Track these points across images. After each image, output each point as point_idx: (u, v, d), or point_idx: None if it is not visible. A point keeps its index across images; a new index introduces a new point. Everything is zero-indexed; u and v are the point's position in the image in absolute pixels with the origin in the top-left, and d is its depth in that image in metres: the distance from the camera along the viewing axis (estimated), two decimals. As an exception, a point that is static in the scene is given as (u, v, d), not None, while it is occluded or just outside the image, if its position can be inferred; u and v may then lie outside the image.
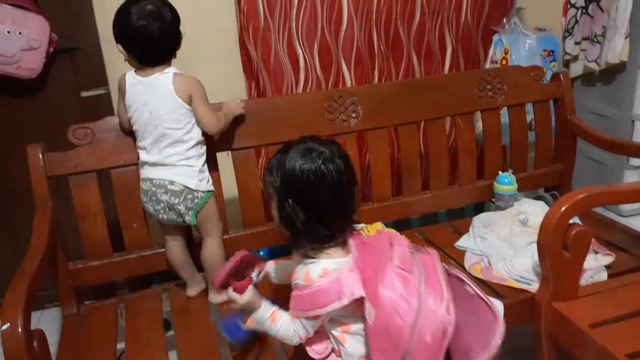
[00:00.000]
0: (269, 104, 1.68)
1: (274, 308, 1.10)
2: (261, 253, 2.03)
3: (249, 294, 1.09)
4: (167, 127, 1.38)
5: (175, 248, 1.52)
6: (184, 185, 1.41)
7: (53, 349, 1.21)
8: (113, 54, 1.91)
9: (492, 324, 0.99)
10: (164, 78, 1.38)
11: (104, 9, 1.86)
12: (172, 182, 1.40)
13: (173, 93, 1.37)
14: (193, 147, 1.43)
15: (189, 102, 1.40)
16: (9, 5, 1.69)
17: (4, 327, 0.98)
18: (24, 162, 1.43)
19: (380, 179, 1.79)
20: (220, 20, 2.05)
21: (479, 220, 1.80)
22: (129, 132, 1.48)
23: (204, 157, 1.46)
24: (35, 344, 1.04)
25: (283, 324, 1.07)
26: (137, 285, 1.85)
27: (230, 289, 1.10)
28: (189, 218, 1.44)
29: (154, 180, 1.41)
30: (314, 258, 1.03)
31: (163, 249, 1.56)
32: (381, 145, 1.77)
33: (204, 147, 1.47)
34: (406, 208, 1.85)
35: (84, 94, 1.93)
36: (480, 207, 2.24)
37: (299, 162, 1.00)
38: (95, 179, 1.50)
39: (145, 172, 1.43)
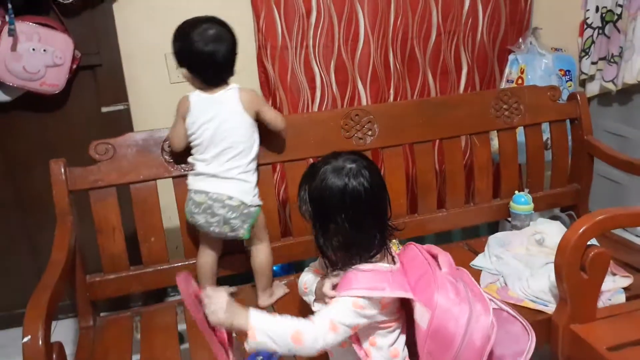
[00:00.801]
0: (287, 122, 1.69)
1: (294, 325, 0.99)
2: (275, 269, 2.04)
3: (222, 292, 0.99)
4: (234, 140, 1.45)
5: (211, 259, 1.55)
6: (241, 201, 1.45)
7: (69, 360, 1.23)
8: (134, 71, 1.97)
9: (522, 335, 1.09)
10: (230, 94, 1.46)
11: (126, 27, 1.91)
12: (230, 197, 1.44)
13: (242, 109, 1.46)
14: (252, 161, 1.50)
15: (256, 117, 1.49)
16: (36, 24, 1.74)
17: (26, 339, 0.99)
18: (46, 176, 1.46)
19: (396, 196, 1.79)
20: (239, 38, 2.08)
21: (494, 239, 1.79)
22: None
23: (257, 173, 1.53)
24: (54, 356, 1.05)
25: (284, 317, 1.00)
26: (152, 299, 1.86)
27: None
28: (243, 232, 1.48)
29: (210, 194, 1.44)
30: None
31: (179, 264, 1.58)
32: (397, 163, 1.78)
33: (257, 164, 1.54)
34: (421, 226, 1.85)
35: (105, 109, 1.96)
36: (495, 227, 2.23)
37: (329, 179, 1.03)
38: (115, 193, 1.53)
39: (200, 185, 1.46)
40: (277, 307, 1.56)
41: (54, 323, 2.16)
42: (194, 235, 1.59)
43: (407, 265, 1.10)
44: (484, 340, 0.99)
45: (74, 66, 1.86)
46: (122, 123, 1.95)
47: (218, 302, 0.96)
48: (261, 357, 1.27)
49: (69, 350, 1.20)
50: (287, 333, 0.96)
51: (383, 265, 1.07)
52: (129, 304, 1.99)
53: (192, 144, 1.48)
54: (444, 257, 1.11)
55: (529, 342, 1.09)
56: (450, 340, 0.98)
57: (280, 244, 1.69)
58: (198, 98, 1.45)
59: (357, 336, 1.07)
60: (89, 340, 1.47)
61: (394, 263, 1.10)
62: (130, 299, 2.04)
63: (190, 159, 1.50)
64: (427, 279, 1.03)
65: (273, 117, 1.53)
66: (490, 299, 1.11)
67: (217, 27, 1.41)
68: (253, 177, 1.50)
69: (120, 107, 1.98)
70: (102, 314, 1.60)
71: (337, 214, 1.02)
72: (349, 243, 1.05)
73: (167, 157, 1.56)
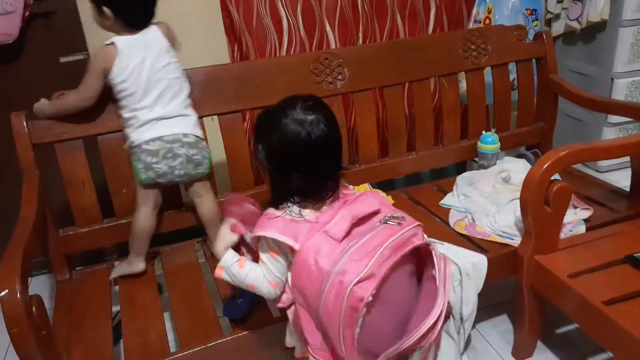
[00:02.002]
0: (254, 67, 1.67)
1: (241, 257, 1.14)
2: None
3: (226, 229, 1.14)
4: (170, 78, 1.41)
5: (152, 218, 1.50)
6: (195, 136, 1.45)
7: (48, 314, 1.23)
8: (91, 18, 1.87)
9: (426, 314, 0.95)
10: (153, 32, 1.40)
11: (79, -29, 1.81)
12: (185, 135, 1.43)
13: (167, 44, 1.42)
14: (188, 95, 1.47)
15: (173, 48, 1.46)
16: (-20, -33, 1.63)
17: (3, 293, 0.99)
18: (5, 131, 1.41)
19: (367, 141, 1.81)
20: (200, -19, 2.00)
21: (462, 179, 1.84)
22: (104, 101, 1.46)
23: None
24: (33, 309, 1.05)
25: (251, 270, 1.09)
26: (126, 252, 1.86)
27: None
28: (205, 166, 1.49)
29: (164, 137, 1.40)
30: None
31: (153, 214, 1.57)
32: (367, 107, 1.78)
33: None
34: (392, 169, 1.88)
35: (63, 59, 1.88)
36: (462, 167, 2.28)
37: (289, 128, 1.01)
38: (82, 146, 1.49)
39: (150, 133, 1.40)
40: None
41: (28, 280, 2.16)
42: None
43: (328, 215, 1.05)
44: (338, 305, 0.92)
45: (27, 14, 1.75)
46: (82, 73, 1.87)
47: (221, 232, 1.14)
48: (241, 300, 1.31)
49: (47, 305, 1.20)
50: (244, 283, 1.11)
51: (307, 216, 1.04)
52: (104, 258, 1.99)
53: (122, 94, 1.39)
54: (340, 221, 1.01)
55: (424, 322, 0.94)
56: (309, 296, 0.98)
57: (254, 191, 1.70)
58: (125, 43, 1.36)
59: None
60: (67, 293, 1.47)
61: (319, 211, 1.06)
62: (105, 253, 2.04)
63: (126, 114, 1.41)
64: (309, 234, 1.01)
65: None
66: (433, 269, 1.01)
67: None
68: (193, 111, 1.49)
69: (79, 56, 1.90)
70: (78, 268, 1.60)
71: (299, 164, 1.02)
72: (302, 192, 1.04)
73: (133, 106, 1.51)
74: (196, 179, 1.49)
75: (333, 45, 2.13)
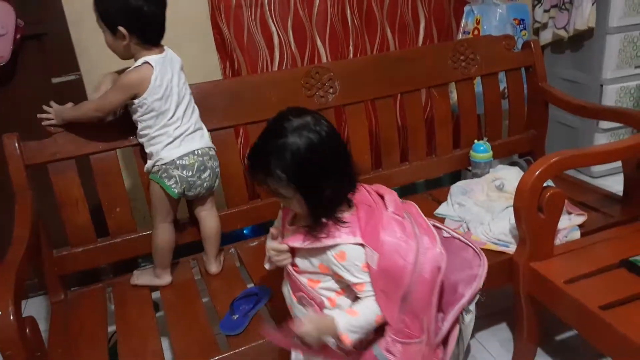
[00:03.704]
0: (245, 83, 1.68)
1: (343, 308, 1.06)
2: (244, 231, 2.05)
3: (308, 319, 1.03)
4: (189, 94, 1.47)
5: (172, 231, 1.53)
6: (213, 147, 1.51)
7: (43, 336, 1.22)
8: (83, 39, 1.89)
9: (473, 259, 1.14)
10: (170, 51, 1.44)
11: (70, -7, 1.82)
12: (209, 147, 1.49)
13: (181, 61, 1.46)
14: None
15: None
16: (-29, -9, 1.64)
17: (-5, 315, 0.98)
18: (-1, 152, 1.41)
19: (360, 153, 1.81)
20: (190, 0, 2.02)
21: (456, 188, 1.84)
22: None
23: None
24: (27, 330, 1.05)
25: (365, 308, 1.03)
26: (121, 270, 1.85)
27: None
28: (219, 179, 1.55)
29: (196, 151, 1.44)
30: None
31: (148, 232, 1.56)
32: (359, 119, 1.79)
33: None
34: (386, 180, 1.87)
35: (55, 80, 1.89)
36: (456, 176, 2.29)
37: (300, 141, 0.95)
38: (74, 166, 1.49)
39: (182, 149, 1.42)
40: (250, 270, 1.58)
41: (23, 302, 2.14)
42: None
43: (359, 208, 1.08)
44: (433, 272, 1.02)
45: (18, 36, 1.77)
46: (75, 93, 1.87)
47: (307, 324, 1.01)
48: (237, 316, 1.30)
49: (42, 327, 1.19)
50: (373, 322, 1.03)
51: (346, 214, 1.06)
52: (99, 278, 1.97)
53: (152, 113, 1.39)
54: (390, 196, 1.12)
55: (481, 266, 1.14)
56: (400, 276, 1.00)
57: (248, 206, 1.70)
58: (157, 61, 1.38)
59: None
60: (62, 314, 1.46)
61: (350, 207, 1.08)
62: (100, 273, 2.03)
63: (155, 132, 1.41)
64: (374, 220, 1.04)
65: None
66: (439, 227, 1.18)
67: None
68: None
69: (71, 77, 1.91)
70: (73, 289, 1.59)
71: (322, 170, 0.98)
72: (338, 193, 1.02)
73: (126, 125, 1.52)
74: (210, 192, 1.54)
75: (324, 60, 2.15)
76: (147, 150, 1.46)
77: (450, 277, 1.12)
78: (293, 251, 1.09)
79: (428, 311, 1.03)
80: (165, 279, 1.54)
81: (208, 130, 1.60)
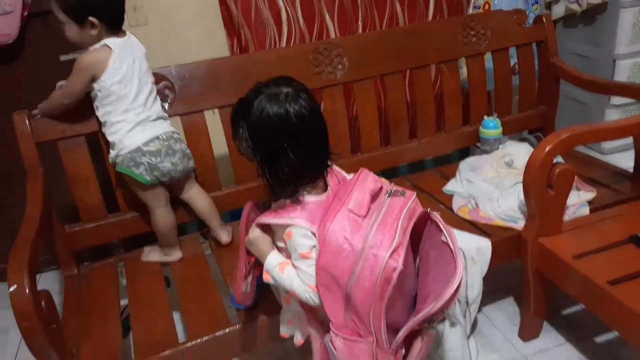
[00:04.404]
0: (253, 60, 1.67)
1: (283, 259, 1.07)
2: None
3: (257, 231, 1.06)
4: (152, 81, 1.46)
5: (170, 212, 1.53)
6: (177, 133, 1.50)
7: (57, 309, 1.24)
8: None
9: (451, 275, 0.94)
10: (131, 36, 1.43)
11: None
12: (173, 132, 1.48)
13: (144, 49, 1.45)
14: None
15: None
16: (-22, -32, 1.63)
17: (12, 288, 1.00)
18: (7, 130, 1.42)
19: (369, 129, 1.81)
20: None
21: (465, 164, 1.84)
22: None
23: None
24: (42, 303, 1.07)
25: (292, 274, 1.03)
26: (132, 245, 1.87)
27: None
28: (193, 161, 1.54)
29: (160, 135, 1.43)
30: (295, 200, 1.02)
31: (158, 208, 1.58)
32: (368, 96, 1.78)
33: None
34: (395, 157, 1.88)
35: (63, 57, 1.88)
36: (465, 153, 2.28)
37: (271, 111, 0.95)
38: (85, 142, 1.50)
39: (146, 134, 1.41)
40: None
41: (36, 277, 2.19)
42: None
43: (332, 195, 1.04)
44: (375, 280, 0.92)
45: (25, 13, 1.76)
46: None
47: (251, 235, 1.06)
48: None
49: (56, 300, 1.21)
50: (288, 288, 1.04)
51: (312, 197, 1.02)
52: (111, 253, 2.00)
53: (111, 97, 1.37)
54: (357, 194, 1.01)
55: (448, 287, 0.93)
56: (338, 276, 0.95)
57: (256, 183, 1.70)
58: (117, 45, 1.36)
59: None
60: (75, 288, 1.49)
61: (325, 191, 1.05)
62: (112, 248, 2.05)
63: (114, 118, 1.39)
64: (329, 213, 0.99)
65: None
66: (441, 229, 1.01)
67: None
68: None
69: (79, 54, 1.89)
70: (85, 263, 1.62)
71: (283, 144, 0.96)
72: (298, 174, 1.00)
73: (134, 102, 1.52)
74: (186, 174, 1.53)
75: (333, 35, 2.13)
76: (110, 140, 1.42)
77: (429, 285, 1.01)
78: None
79: (375, 317, 0.95)
80: (175, 255, 1.56)
81: (216, 108, 1.61)
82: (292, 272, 1.03)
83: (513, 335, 1.58)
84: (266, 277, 1.07)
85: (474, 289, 1.45)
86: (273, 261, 1.06)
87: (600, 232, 1.42)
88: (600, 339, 1.54)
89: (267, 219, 1.04)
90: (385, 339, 0.96)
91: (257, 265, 1.14)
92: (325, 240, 0.96)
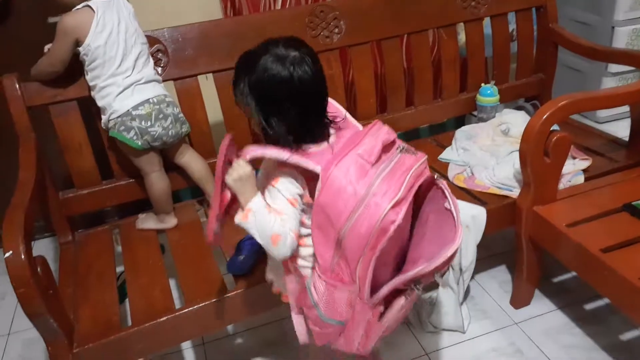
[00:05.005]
0: (247, 23, 1.63)
1: (276, 228, 0.99)
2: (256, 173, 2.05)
3: (249, 167, 0.99)
4: (142, 42, 1.41)
5: (164, 177, 1.52)
6: (170, 96, 1.47)
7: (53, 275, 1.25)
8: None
9: (450, 241, 0.94)
10: None
11: None
12: (165, 95, 1.44)
13: (132, 8, 1.40)
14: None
15: None
16: None
17: (7, 254, 0.99)
18: (-2, 95, 1.39)
19: (365, 96, 1.78)
20: None
21: (461, 132, 1.83)
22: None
23: None
24: (39, 269, 1.06)
25: (276, 218, 0.98)
26: (127, 213, 1.87)
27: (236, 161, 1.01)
28: (187, 125, 1.51)
29: (151, 99, 1.40)
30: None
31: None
32: (365, 61, 1.75)
33: None
34: (391, 124, 1.76)
35: (52, 19, 1.83)
36: (460, 122, 2.27)
37: (275, 72, 0.93)
38: (77, 107, 1.47)
39: (136, 97, 1.38)
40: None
41: (31, 242, 2.18)
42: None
43: (338, 144, 1.00)
44: (372, 229, 0.91)
45: (11, -28, 1.70)
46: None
47: (242, 171, 0.98)
48: (243, 256, 1.32)
49: (52, 267, 1.22)
50: (269, 231, 0.97)
51: (314, 148, 0.99)
52: (105, 221, 2.00)
53: (97, 61, 1.33)
54: (370, 140, 0.98)
55: (443, 250, 0.93)
56: (335, 217, 0.93)
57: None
58: (99, 5, 1.31)
59: None
60: (71, 255, 1.49)
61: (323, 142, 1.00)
62: (106, 216, 2.05)
63: (102, 82, 1.35)
64: (338, 155, 0.96)
65: None
66: (446, 196, 1.01)
67: None
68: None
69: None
70: (80, 230, 1.61)
71: (282, 105, 0.95)
72: (297, 131, 0.97)
73: (126, 66, 1.48)
74: (179, 139, 1.50)
75: (329, -2, 2.07)
76: (99, 105, 1.40)
77: (422, 248, 1.01)
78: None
79: (363, 267, 0.94)
80: (171, 221, 1.55)
81: (210, 73, 1.58)
82: (276, 216, 0.98)
83: (505, 302, 1.61)
84: (244, 218, 0.98)
85: (468, 256, 1.46)
86: (262, 201, 0.99)
87: (594, 200, 1.43)
88: (590, 306, 1.58)
89: (264, 151, 0.97)
90: (368, 290, 0.96)
91: (232, 204, 1.06)
92: (328, 179, 0.93)
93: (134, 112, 1.38)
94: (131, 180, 1.58)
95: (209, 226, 1.03)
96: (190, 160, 1.55)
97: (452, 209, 1.00)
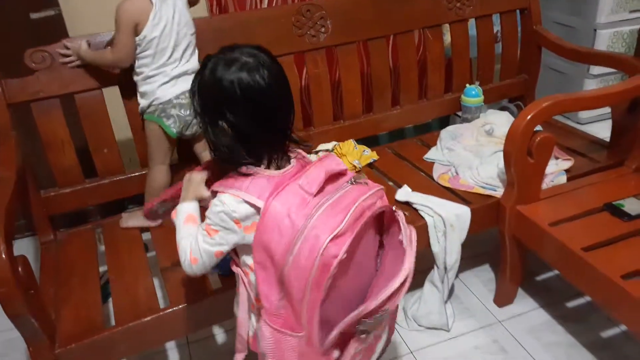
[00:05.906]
0: (233, 21, 1.62)
1: (196, 215, 1.00)
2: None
3: (200, 177, 1.00)
4: (192, 34, 1.43)
5: (168, 172, 1.52)
6: None
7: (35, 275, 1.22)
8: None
9: (393, 278, 0.90)
10: None
11: None
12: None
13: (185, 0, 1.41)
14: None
15: None
16: None
17: (-13, 254, 0.98)
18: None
19: (351, 96, 1.79)
20: None
21: (446, 132, 1.84)
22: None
23: None
24: (20, 269, 1.05)
25: (189, 232, 0.96)
26: (109, 212, 1.85)
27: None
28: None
29: (180, 95, 1.41)
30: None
31: (136, 174, 1.56)
32: (351, 61, 1.76)
33: None
34: (377, 124, 1.87)
35: (34, 15, 1.80)
36: (445, 121, 2.28)
37: (220, 75, 0.89)
38: (59, 105, 1.45)
39: (178, 87, 1.40)
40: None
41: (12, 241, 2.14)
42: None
43: (289, 174, 0.94)
44: (311, 263, 0.84)
45: (-9, -34, 1.67)
46: (55, 30, 1.80)
47: (194, 176, 1.01)
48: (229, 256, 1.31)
49: (33, 266, 1.19)
50: (178, 237, 0.98)
51: (265, 172, 0.93)
52: (87, 220, 1.97)
53: (149, 52, 1.35)
54: (313, 170, 0.92)
55: (385, 288, 0.90)
56: (273, 252, 0.88)
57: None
58: None
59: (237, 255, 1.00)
60: (52, 254, 1.46)
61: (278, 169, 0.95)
62: (88, 215, 2.02)
63: (152, 71, 1.38)
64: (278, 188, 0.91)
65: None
66: (401, 225, 0.96)
67: None
68: None
69: (50, 12, 1.82)
70: (62, 230, 1.59)
71: (225, 111, 0.89)
72: (235, 146, 0.92)
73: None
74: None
75: (315, -2, 2.07)
76: (141, 89, 1.42)
77: (378, 285, 0.96)
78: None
79: (309, 308, 0.87)
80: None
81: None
82: (192, 232, 0.96)
83: (489, 301, 1.63)
84: (173, 214, 1.01)
85: (452, 255, 1.47)
86: (187, 209, 0.99)
87: (576, 200, 1.45)
88: (572, 304, 1.60)
89: (216, 186, 0.94)
90: (316, 335, 0.89)
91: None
92: (266, 213, 0.88)
93: (175, 101, 1.41)
94: (114, 178, 1.56)
95: (152, 200, 1.05)
96: (208, 155, 1.55)
97: (404, 240, 0.95)
